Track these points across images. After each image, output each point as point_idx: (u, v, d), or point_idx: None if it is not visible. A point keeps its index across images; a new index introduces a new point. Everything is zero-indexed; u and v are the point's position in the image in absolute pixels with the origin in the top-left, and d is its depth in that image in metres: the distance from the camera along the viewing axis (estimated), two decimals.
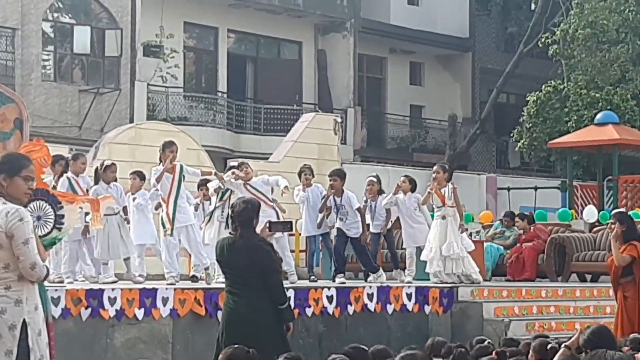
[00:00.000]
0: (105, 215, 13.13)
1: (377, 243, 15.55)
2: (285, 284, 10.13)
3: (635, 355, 6.67)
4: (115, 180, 13.71)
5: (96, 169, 13.84)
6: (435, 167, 15.04)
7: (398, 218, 15.48)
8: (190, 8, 29.09)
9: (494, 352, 6.15)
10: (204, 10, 29.44)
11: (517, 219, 18.73)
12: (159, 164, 13.44)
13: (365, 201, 15.26)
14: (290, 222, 9.32)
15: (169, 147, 13.39)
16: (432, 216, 15.05)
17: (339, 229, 14.38)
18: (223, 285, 12.22)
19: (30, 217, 6.05)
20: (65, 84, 26.81)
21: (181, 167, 13.41)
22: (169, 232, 13.31)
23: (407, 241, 15.14)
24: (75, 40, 26.89)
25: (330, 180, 14.38)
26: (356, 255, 14.78)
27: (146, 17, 27.58)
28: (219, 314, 11.62)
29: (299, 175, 14.86)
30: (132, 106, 27.24)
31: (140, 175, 14.26)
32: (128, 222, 13.73)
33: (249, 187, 13.63)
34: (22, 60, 25.93)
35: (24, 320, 5.90)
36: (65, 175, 13.29)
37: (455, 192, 14.68)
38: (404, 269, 15.32)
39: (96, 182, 13.56)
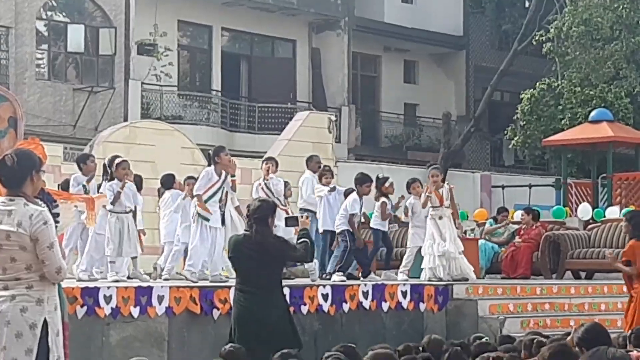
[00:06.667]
0: (115, 212, 13.24)
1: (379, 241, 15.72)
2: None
3: (631, 353, 6.67)
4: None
5: (104, 166, 13.84)
6: (433, 171, 15.28)
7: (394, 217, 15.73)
8: (184, 6, 29.06)
9: (491, 358, 6.13)
10: (198, 8, 29.42)
11: (522, 212, 18.75)
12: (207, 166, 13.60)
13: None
14: (297, 217, 9.43)
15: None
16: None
17: (349, 230, 14.57)
18: (218, 284, 12.35)
19: (52, 219, 6.02)
20: (60, 83, 26.79)
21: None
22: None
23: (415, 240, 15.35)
24: (69, 38, 26.84)
25: (368, 188, 14.71)
26: (355, 255, 14.87)
27: (140, 15, 27.56)
28: (215, 312, 11.68)
29: (320, 177, 15.39)
30: (126, 105, 27.23)
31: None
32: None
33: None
34: (16, 59, 25.90)
35: (45, 319, 5.90)
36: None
37: (452, 192, 14.92)
38: (397, 267, 15.41)
39: (110, 179, 13.57)
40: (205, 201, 13.17)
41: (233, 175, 13.54)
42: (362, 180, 14.73)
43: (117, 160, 13.59)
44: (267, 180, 14.93)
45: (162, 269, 14.40)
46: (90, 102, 26.67)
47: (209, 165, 13.53)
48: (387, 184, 15.32)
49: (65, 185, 14.19)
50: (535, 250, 17.73)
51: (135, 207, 13.68)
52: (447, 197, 14.85)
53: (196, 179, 14.18)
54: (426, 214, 15.03)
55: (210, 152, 13.75)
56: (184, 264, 13.95)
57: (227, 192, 13.66)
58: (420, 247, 15.02)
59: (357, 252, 14.65)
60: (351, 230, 14.52)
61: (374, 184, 15.07)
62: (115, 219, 13.31)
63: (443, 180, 15.56)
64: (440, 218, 14.80)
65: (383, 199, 15.13)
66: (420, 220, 15.22)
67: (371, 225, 15.20)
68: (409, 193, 15.49)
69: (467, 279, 14.71)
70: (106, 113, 26.68)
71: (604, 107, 25.12)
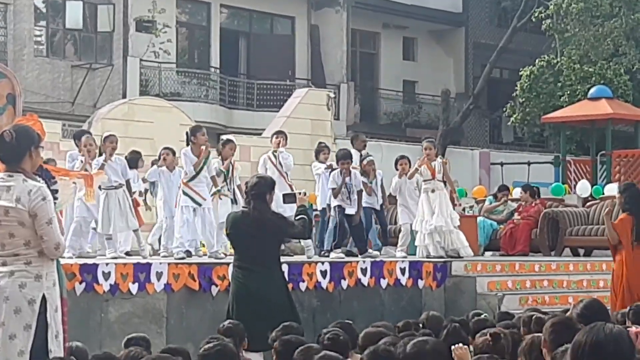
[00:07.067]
0: (104, 189, 13.19)
1: (371, 219, 15.63)
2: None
3: (629, 329, 6.68)
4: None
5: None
6: (426, 144, 15.11)
7: (389, 195, 15.70)
8: None
9: (488, 334, 6.14)
10: None
11: (521, 190, 18.72)
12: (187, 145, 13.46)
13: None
14: (295, 194, 9.39)
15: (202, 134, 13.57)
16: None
17: (339, 206, 14.50)
18: (216, 261, 12.37)
19: (51, 195, 6.02)
20: (58, 60, 26.73)
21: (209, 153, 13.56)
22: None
23: (404, 217, 15.27)
24: (68, 15, 26.77)
25: (345, 164, 14.53)
26: (351, 231, 14.85)
27: None
28: (213, 288, 11.69)
29: (318, 154, 15.36)
30: (124, 82, 27.18)
31: (173, 152, 14.45)
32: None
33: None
34: (14, 36, 25.83)
35: (44, 295, 5.90)
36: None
37: (445, 166, 14.83)
38: (395, 244, 15.40)
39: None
40: (189, 181, 13.21)
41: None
42: (339, 157, 14.70)
43: (105, 134, 13.70)
44: (277, 153, 14.92)
45: (151, 246, 14.49)
46: (89, 79, 26.62)
47: (187, 144, 13.50)
48: (364, 162, 15.27)
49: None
50: (534, 227, 17.74)
51: (128, 182, 13.64)
52: (440, 171, 14.73)
53: (173, 150, 14.26)
54: (415, 189, 15.01)
55: (187, 131, 13.73)
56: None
57: (232, 170, 13.87)
58: (412, 224, 15.01)
59: (353, 230, 14.63)
60: (339, 204, 14.49)
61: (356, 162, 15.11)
62: (104, 196, 13.30)
63: (437, 155, 15.46)
64: (433, 191, 14.70)
65: (362, 178, 15.09)
66: (405, 198, 15.20)
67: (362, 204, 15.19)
68: (396, 170, 15.43)
69: (458, 254, 14.65)
70: (104, 90, 26.64)
71: (603, 84, 25.06)
